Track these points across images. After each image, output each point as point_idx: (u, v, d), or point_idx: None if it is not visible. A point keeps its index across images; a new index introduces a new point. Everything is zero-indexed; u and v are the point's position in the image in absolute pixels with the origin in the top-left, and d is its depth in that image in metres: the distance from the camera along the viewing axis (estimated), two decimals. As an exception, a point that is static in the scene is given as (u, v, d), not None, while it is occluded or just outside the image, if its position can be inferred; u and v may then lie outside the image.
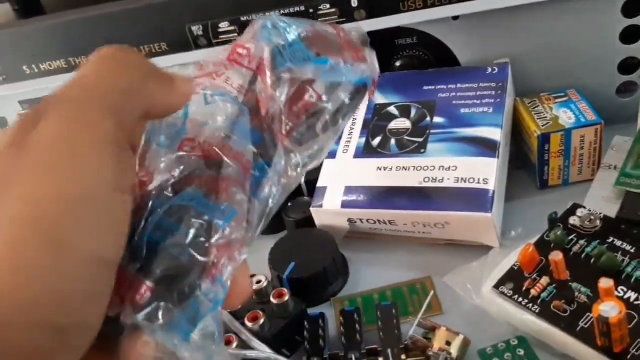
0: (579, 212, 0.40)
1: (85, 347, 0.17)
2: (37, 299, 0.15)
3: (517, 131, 0.49)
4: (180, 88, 0.21)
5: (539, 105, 0.47)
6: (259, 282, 0.41)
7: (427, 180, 0.43)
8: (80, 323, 0.16)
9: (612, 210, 0.40)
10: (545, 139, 0.45)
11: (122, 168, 0.18)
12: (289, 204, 0.49)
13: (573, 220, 0.39)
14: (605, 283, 0.33)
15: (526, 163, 0.49)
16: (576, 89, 0.48)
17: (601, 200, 0.42)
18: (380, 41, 0.52)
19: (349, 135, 0.48)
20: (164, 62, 0.52)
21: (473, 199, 0.41)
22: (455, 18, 0.48)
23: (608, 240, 0.38)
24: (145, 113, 0.20)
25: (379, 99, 0.50)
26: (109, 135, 0.17)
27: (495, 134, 0.44)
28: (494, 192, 0.41)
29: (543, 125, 0.45)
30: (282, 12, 0.54)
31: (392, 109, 0.49)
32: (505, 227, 0.44)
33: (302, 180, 0.51)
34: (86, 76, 0.19)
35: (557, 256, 0.36)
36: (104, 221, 0.17)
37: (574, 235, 0.39)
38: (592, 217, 0.39)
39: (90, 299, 0.17)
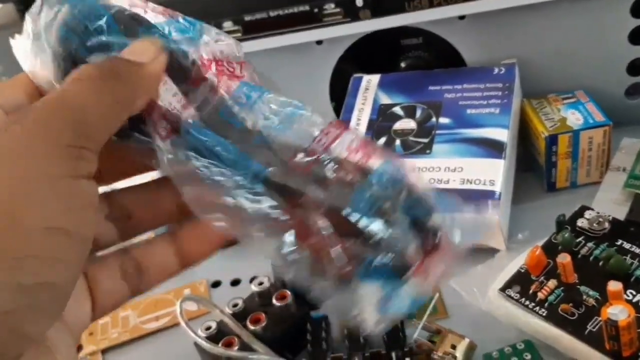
0: (587, 214, 0.39)
1: (55, 311, 0.19)
2: None
3: (524, 133, 0.48)
4: (147, 75, 0.22)
5: (546, 107, 0.47)
6: (261, 283, 0.40)
7: (432, 181, 0.43)
8: (43, 283, 0.18)
9: (621, 213, 0.40)
10: (552, 140, 0.44)
11: (75, 163, 0.19)
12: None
13: (581, 223, 0.39)
14: (613, 286, 0.32)
15: (533, 165, 0.48)
16: (584, 90, 0.48)
17: (610, 202, 0.41)
18: (386, 41, 0.51)
19: (353, 135, 0.48)
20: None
21: (479, 200, 0.41)
22: (462, 17, 0.47)
23: (617, 243, 0.37)
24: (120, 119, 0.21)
25: (384, 99, 0.49)
26: (63, 139, 0.19)
27: (502, 134, 0.43)
28: (500, 193, 0.41)
29: (550, 127, 0.44)
30: (285, 11, 0.54)
31: (397, 110, 0.48)
32: (512, 230, 0.44)
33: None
34: (61, 94, 0.20)
35: (564, 259, 0.35)
36: (56, 201, 0.19)
37: (582, 237, 0.38)
38: (601, 220, 0.38)
39: (50, 263, 0.18)
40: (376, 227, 0.22)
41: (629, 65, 0.48)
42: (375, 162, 0.23)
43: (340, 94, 0.53)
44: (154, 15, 0.24)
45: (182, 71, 0.23)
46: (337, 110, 0.53)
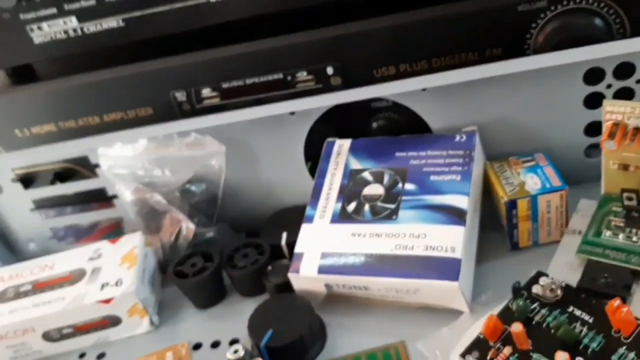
0: (542, 280, 0.41)
1: None
2: None
3: (489, 193, 0.51)
4: None
5: (506, 170, 0.49)
6: (236, 351, 0.42)
7: (398, 247, 0.45)
8: None
9: (575, 278, 0.42)
10: (512, 204, 0.47)
11: None
12: (269, 268, 0.51)
13: (536, 289, 0.41)
14: (560, 357, 0.34)
15: (499, 224, 0.50)
16: (544, 153, 0.50)
17: (565, 267, 0.43)
18: (357, 104, 0.53)
19: (326, 199, 0.50)
20: (148, 133, 0.54)
21: (441, 267, 0.43)
22: (424, 89, 0.50)
23: (568, 310, 0.39)
24: None
25: (354, 164, 0.52)
26: None
27: (462, 202, 0.46)
28: (460, 260, 0.43)
29: (510, 191, 0.47)
30: (260, 79, 0.56)
31: (367, 175, 0.50)
32: (477, 290, 0.46)
33: (283, 242, 0.52)
34: None
35: (516, 328, 0.37)
36: None
37: (536, 304, 0.40)
38: (553, 287, 0.40)
39: None
40: None
41: (586, 127, 0.50)
42: None
43: (315, 153, 0.55)
44: None
45: None
46: (313, 170, 0.55)
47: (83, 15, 0.58)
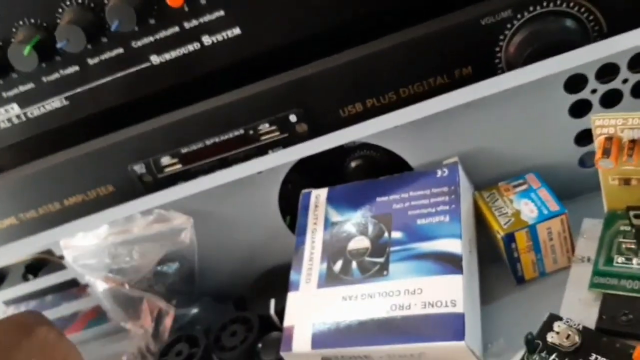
0: (556, 326, 0.37)
1: None
2: None
3: (483, 224, 0.46)
4: None
5: (498, 199, 0.45)
6: None
7: (394, 308, 0.41)
8: None
9: (592, 315, 0.38)
10: (510, 238, 0.42)
11: None
12: (260, 345, 0.46)
13: (551, 338, 0.36)
14: None
15: (500, 255, 0.46)
16: (535, 172, 0.46)
17: (579, 304, 0.39)
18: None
19: (309, 261, 0.46)
20: (108, 216, 0.50)
21: (443, 325, 0.39)
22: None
23: (590, 358, 0.35)
24: None
25: (335, 216, 0.47)
26: None
27: (455, 245, 0.41)
28: (464, 314, 0.39)
29: (505, 224, 0.43)
30: (220, 138, 0.53)
31: (349, 227, 0.46)
32: (487, 337, 0.42)
33: (272, 311, 0.48)
34: None
35: (537, 393, 0.33)
36: None
37: (554, 355, 0.36)
38: (570, 333, 0.36)
39: None
40: None
41: (576, 137, 0.46)
42: None
43: (292, 205, 0.51)
44: None
45: None
46: (293, 223, 0.51)
47: (23, 100, 0.54)
